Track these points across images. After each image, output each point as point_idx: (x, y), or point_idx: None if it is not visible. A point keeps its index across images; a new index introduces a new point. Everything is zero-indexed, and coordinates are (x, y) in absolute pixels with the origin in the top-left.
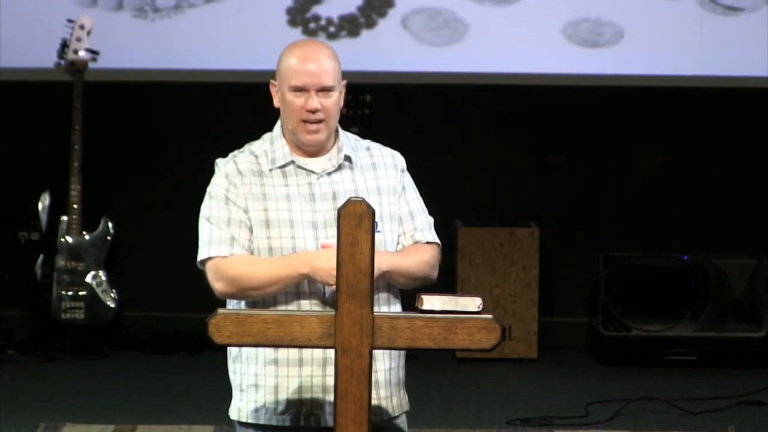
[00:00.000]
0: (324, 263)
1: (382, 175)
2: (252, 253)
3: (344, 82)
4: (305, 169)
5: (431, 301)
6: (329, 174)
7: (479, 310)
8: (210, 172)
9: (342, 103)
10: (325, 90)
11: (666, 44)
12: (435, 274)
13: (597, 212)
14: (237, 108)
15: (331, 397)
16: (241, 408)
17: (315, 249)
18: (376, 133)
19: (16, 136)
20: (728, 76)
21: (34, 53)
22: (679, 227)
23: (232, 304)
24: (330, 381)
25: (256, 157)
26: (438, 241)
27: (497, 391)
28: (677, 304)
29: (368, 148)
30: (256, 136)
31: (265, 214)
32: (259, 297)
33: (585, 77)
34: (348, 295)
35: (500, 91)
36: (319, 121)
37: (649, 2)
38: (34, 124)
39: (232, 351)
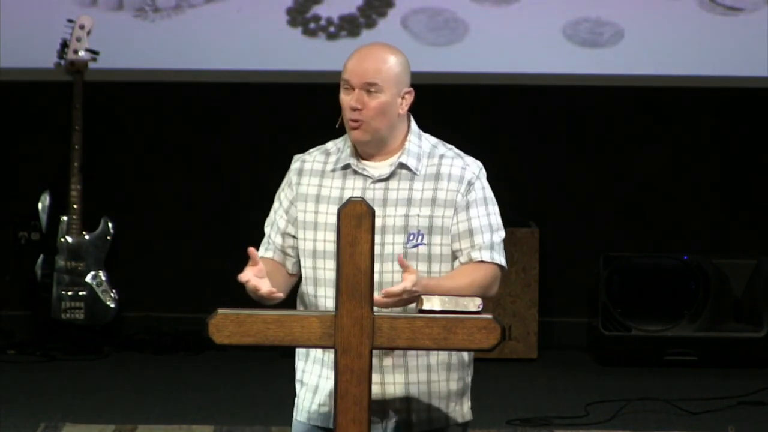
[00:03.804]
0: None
1: (441, 187)
2: (290, 255)
3: (408, 89)
4: (362, 174)
5: (431, 301)
6: (385, 180)
7: (479, 310)
8: (208, 171)
9: (402, 110)
10: (370, 88)
11: (666, 44)
12: (491, 293)
13: (597, 212)
14: (237, 108)
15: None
16: (295, 402)
17: None
18: None
19: (16, 136)
20: (728, 76)
21: (34, 53)
22: (679, 227)
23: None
24: None
25: (328, 155)
26: (500, 261)
27: (497, 391)
28: (677, 304)
29: (442, 156)
30: (256, 136)
31: (315, 216)
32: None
33: (585, 77)
34: (348, 295)
35: (500, 91)
36: (362, 121)
37: (649, 2)
38: (34, 124)
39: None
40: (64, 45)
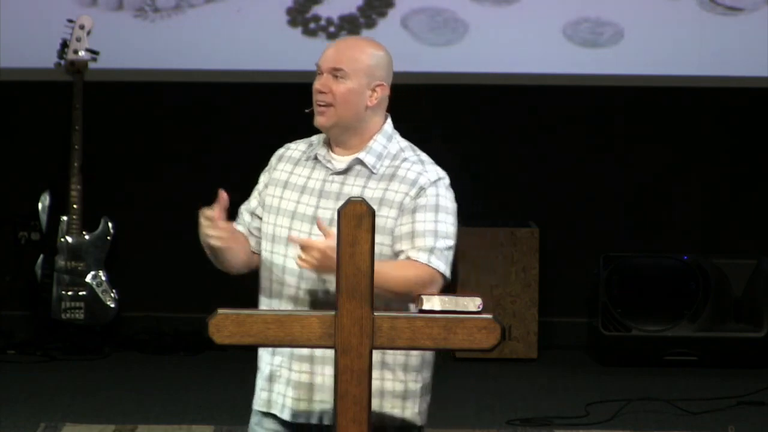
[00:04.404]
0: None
1: (392, 188)
2: (255, 234)
3: (379, 82)
4: (326, 166)
5: (431, 301)
6: (342, 174)
7: (479, 310)
8: (209, 171)
9: (371, 102)
10: (336, 73)
11: (666, 44)
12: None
13: (597, 212)
14: (237, 108)
15: (292, 392)
16: None
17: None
18: None
19: (17, 136)
20: (728, 76)
21: (34, 53)
22: (679, 227)
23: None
24: (294, 376)
25: (309, 145)
26: (437, 266)
27: (497, 391)
28: (677, 304)
29: (404, 159)
30: (256, 136)
31: (279, 201)
32: (217, 264)
33: (585, 77)
34: (348, 295)
35: (500, 91)
36: (327, 105)
37: (649, 2)
38: (34, 124)
39: None
40: (64, 45)
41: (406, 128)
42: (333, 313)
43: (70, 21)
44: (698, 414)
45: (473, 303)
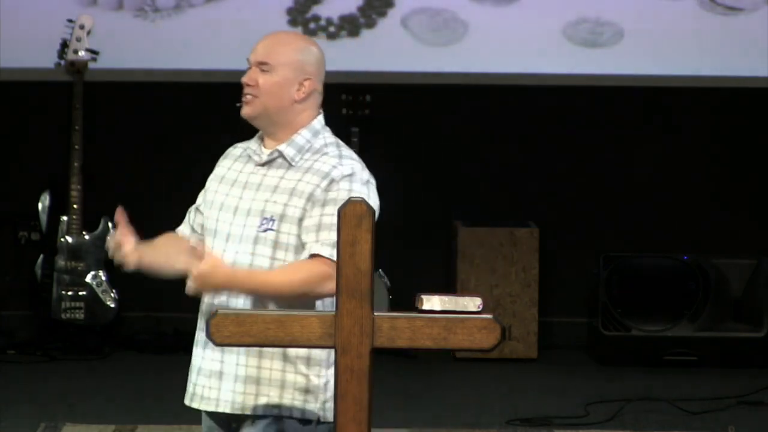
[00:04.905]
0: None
1: (306, 179)
2: (198, 231)
3: (307, 77)
4: (253, 159)
5: (431, 301)
6: (264, 165)
7: (479, 310)
8: (209, 172)
9: (297, 96)
10: (262, 67)
11: (666, 44)
12: (319, 290)
13: (597, 212)
14: (237, 108)
15: (204, 380)
16: None
17: (228, 233)
18: (376, 133)
19: (16, 136)
20: (728, 76)
21: (34, 53)
22: (679, 227)
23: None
24: (206, 364)
25: (250, 143)
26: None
27: (497, 391)
28: (677, 304)
29: (324, 154)
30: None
31: (214, 195)
32: None
33: (585, 77)
34: (348, 295)
35: (500, 91)
36: (253, 97)
37: (649, 2)
38: (34, 125)
39: None
40: (64, 45)
41: (405, 128)
42: (333, 312)
43: (70, 21)
44: (698, 414)
45: (473, 303)
